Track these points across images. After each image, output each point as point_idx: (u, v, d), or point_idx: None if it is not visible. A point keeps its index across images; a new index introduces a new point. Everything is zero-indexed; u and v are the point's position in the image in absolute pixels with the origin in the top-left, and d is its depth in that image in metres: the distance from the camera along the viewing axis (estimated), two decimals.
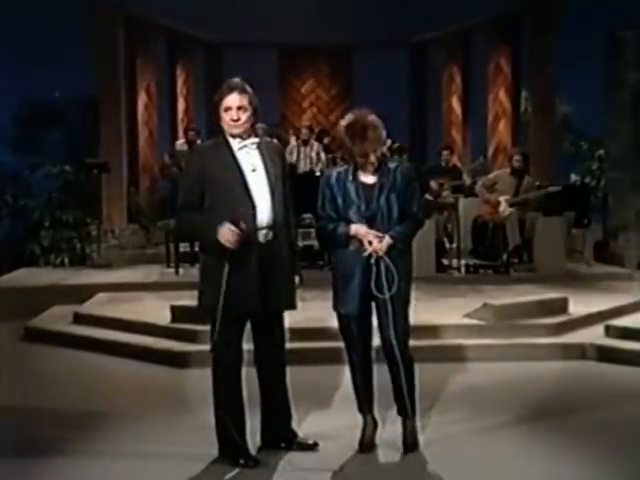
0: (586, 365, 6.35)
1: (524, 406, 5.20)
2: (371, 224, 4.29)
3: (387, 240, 4.26)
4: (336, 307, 4.42)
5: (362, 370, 4.46)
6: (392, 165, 4.41)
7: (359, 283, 4.30)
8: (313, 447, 4.38)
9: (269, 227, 4.15)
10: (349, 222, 4.32)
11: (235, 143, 4.18)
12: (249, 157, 4.18)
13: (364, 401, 4.50)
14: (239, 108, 4.11)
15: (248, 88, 4.16)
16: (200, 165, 4.15)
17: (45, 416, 5.17)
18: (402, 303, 4.34)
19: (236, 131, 4.15)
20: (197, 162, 4.20)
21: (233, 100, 4.10)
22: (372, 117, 4.29)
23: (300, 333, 6.07)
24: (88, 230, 10.63)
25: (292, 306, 4.32)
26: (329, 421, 4.87)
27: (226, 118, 4.13)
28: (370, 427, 4.48)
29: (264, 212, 4.13)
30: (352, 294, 4.32)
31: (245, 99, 4.12)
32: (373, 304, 4.34)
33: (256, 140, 4.24)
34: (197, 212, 4.16)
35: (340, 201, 4.35)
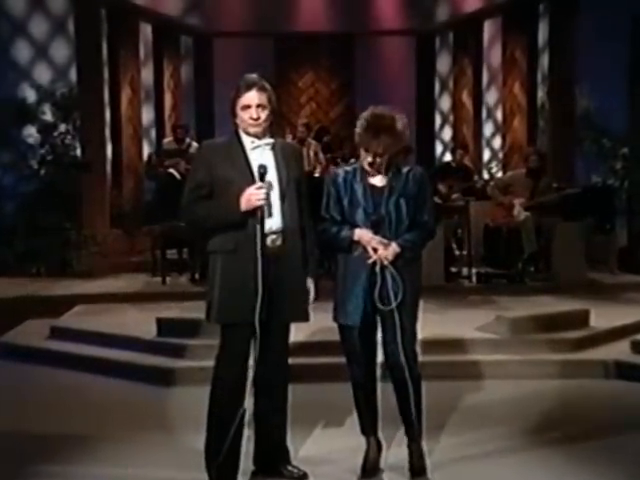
0: (609, 384, 6.35)
1: (540, 428, 5.21)
2: (377, 230, 4.29)
3: (394, 247, 4.26)
4: (337, 318, 4.43)
5: (365, 388, 4.46)
6: (404, 168, 4.41)
7: (362, 293, 4.31)
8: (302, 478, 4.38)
9: (278, 232, 4.18)
10: (354, 226, 4.33)
11: (249, 142, 4.22)
12: (262, 158, 4.21)
13: (367, 422, 4.50)
14: (258, 106, 4.17)
15: (267, 85, 4.23)
16: (209, 162, 4.20)
17: (20, 439, 5.16)
18: (410, 316, 4.34)
19: (254, 130, 4.20)
20: (206, 159, 4.23)
21: (252, 98, 4.16)
22: (393, 115, 4.29)
23: (297, 348, 6.08)
24: (67, 236, 10.63)
25: (303, 318, 4.34)
26: (329, 443, 4.89)
27: (244, 116, 4.18)
28: (374, 450, 4.48)
29: (273, 216, 4.16)
30: (354, 304, 4.33)
31: (264, 97, 4.18)
32: (378, 316, 4.35)
33: (271, 140, 4.28)
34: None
35: (346, 203, 4.38)
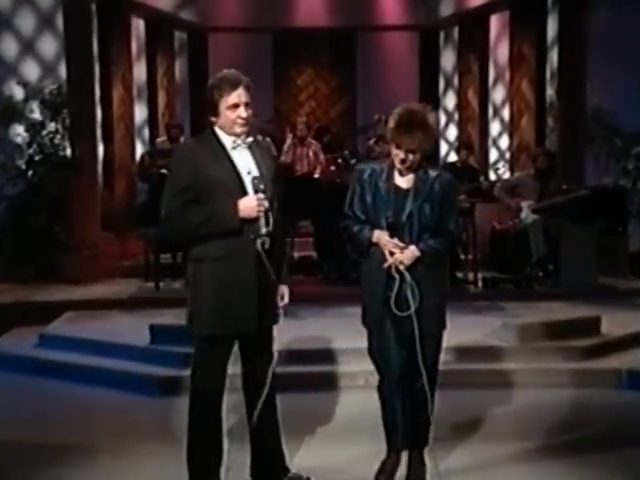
0: (621, 394, 6.36)
1: (548, 439, 5.23)
2: (394, 232, 4.29)
3: (412, 251, 4.27)
4: (363, 322, 4.47)
5: (391, 397, 4.45)
6: (433, 172, 4.40)
7: (381, 298, 4.32)
8: None
9: (267, 234, 4.19)
10: (376, 227, 4.33)
11: (229, 142, 4.23)
12: (242, 158, 4.24)
13: (397, 435, 4.47)
14: (246, 105, 4.18)
15: (249, 81, 4.25)
16: (193, 165, 4.15)
17: (10, 452, 5.17)
18: (432, 323, 4.37)
19: (242, 130, 4.22)
20: (189, 162, 4.18)
21: (240, 96, 4.17)
22: (425, 109, 4.29)
23: (292, 355, 6.12)
24: (56, 239, 10.63)
25: (277, 320, 4.37)
26: (327, 455, 4.90)
27: (231, 116, 4.18)
28: (392, 461, 4.47)
29: (262, 218, 4.17)
30: (375, 309, 4.36)
31: (249, 95, 4.20)
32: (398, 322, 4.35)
33: (251, 139, 4.30)
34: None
35: (369, 201, 4.37)
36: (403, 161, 4.29)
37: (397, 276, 4.26)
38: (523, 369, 6.55)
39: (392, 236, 4.28)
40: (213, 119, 4.22)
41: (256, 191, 4.13)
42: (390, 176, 4.37)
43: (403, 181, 4.38)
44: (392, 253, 4.26)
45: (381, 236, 4.29)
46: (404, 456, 4.51)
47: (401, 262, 4.25)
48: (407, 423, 4.45)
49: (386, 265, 4.27)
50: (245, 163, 4.23)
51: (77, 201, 10.95)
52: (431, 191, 4.34)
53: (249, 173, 4.21)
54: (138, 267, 10.34)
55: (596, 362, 6.72)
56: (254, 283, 4.15)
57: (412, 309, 4.25)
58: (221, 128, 4.23)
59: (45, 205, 10.72)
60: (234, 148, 4.23)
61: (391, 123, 4.29)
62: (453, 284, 9.34)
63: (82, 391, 6.56)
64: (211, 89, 4.19)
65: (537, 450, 5.04)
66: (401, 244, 4.27)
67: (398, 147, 4.27)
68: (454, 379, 6.27)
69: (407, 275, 4.26)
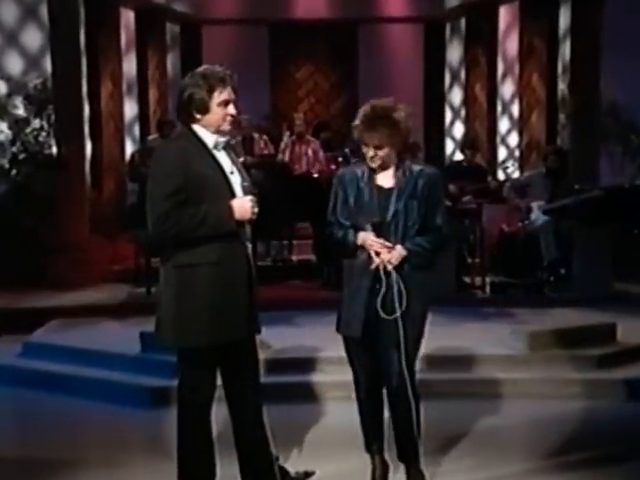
0: (637, 406, 6.34)
1: (558, 453, 5.22)
2: (380, 233, 4.33)
3: (399, 251, 4.31)
4: (339, 329, 4.48)
5: (369, 402, 4.52)
6: (416, 168, 4.46)
7: (364, 301, 4.35)
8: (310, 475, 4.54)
9: (250, 237, 4.29)
10: (360, 230, 4.37)
11: (211, 141, 4.25)
12: (222, 157, 4.27)
13: (373, 439, 4.56)
14: (234, 102, 4.23)
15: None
16: (182, 164, 4.12)
17: None
18: (415, 327, 4.38)
19: (228, 127, 4.27)
20: (180, 160, 4.14)
21: (230, 93, 4.22)
22: (391, 104, 4.34)
23: (281, 364, 6.15)
24: (42, 242, 10.62)
25: (259, 329, 4.42)
26: (316, 469, 4.87)
27: (221, 113, 4.20)
28: (380, 470, 4.53)
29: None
30: (356, 313, 4.37)
31: (234, 91, 4.25)
32: (381, 326, 4.37)
33: (229, 137, 4.35)
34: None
35: (352, 204, 4.42)
36: (372, 158, 4.38)
37: (384, 277, 4.29)
38: (533, 379, 6.54)
39: (378, 236, 4.32)
40: (198, 116, 4.20)
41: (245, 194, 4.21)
42: (371, 177, 4.43)
43: (385, 180, 4.43)
44: (378, 254, 4.29)
45: (366, 237, 4.33)
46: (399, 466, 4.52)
47: (389, 262, 4.28)
48: (380, 425, 4.53)
49: (373, 266, 4.31)
50: (227, 163, 4.27)
51: (64, 202, 10.95)
52: (415, 188, 4.39)
53: (232, 173, 4.25)
54: (128, 271, 10.34)
55: (611, 372, 6.71)
56: (246, 289, 4.19)
57: (398, 312, 4.28)
58: (204, 126, 4.22)
59: (30, 206, 10.72)
60: (216, 147, 4.24)
61: (356, 121, 4.38)
62: (459, 289, 9.35)
63: (69, 403, 6.55)
64: (197, 85, 4.18)
65: (546, 464, 5.03)
66: (388, 244, 4.31)
67: (366, 145, 4.37)
68: (459, 390, 6.29)
69: (395, 275, 4.28)
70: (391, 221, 4.36)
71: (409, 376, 4.34)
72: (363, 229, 4.35)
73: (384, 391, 4.52)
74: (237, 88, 4.26)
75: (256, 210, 4.17)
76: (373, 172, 4.43)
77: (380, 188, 4.42)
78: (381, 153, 4.34)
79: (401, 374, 4.32)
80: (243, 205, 4.14)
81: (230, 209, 4.11)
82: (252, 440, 4.40)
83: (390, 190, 4.40)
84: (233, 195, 4.18)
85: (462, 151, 11.75)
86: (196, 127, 4.24)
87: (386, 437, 4.57)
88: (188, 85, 4.20)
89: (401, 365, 4.31)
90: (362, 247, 4.35)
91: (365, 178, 4.43)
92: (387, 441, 4.57)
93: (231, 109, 4.21)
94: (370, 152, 4.36)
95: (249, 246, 4.23)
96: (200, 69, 4.27)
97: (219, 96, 4.18)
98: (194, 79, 4.20)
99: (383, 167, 4.41)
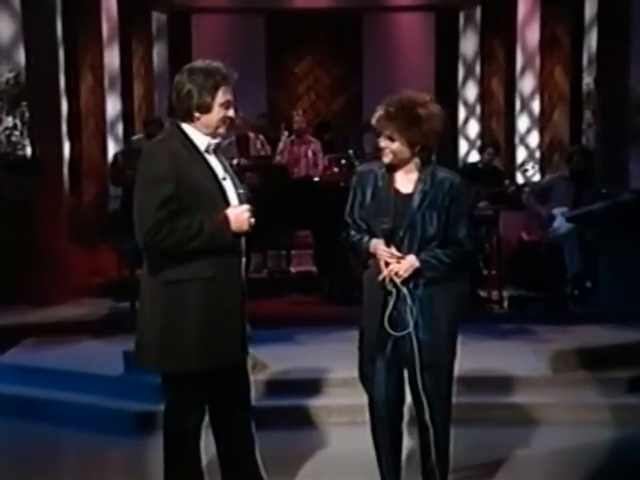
0: None
1: None
2: (391, 241, 4.31)
3: (410, 262, 4.28)
4: (360, 347, 4.51)
5: (385, 429, 4.50)
6: (440, 175, 4.43)
7: (379, 316, 4.34)
8: None
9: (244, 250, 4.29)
10: (375, 235, 4.37)
11: (202, 144, 4.23)
12: (213, 161, 4.26)
13: (387, 470, 4.54)
14: (234, 103, 4.25)
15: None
16: (177, 169, 4.07)
17: None
18: (440, 347, 4.37)
19: (224, 131, 4.27)
20: (171, 165, 4.08)
21: (230, 93, 4.22)
22: (417, 98, 4.33)
23: (279, 386, 6.15)
24: (15, 252, 10.62)
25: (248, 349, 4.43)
26: None
27: (221, 115, 4.20)
28: None
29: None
30: (371, 326, 4.37)
31: None
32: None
33: (218, 140, 4.32)
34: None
35: (369, 206, 4.42)
36: (383, 150, 4.37)
37: (393, 290, 4.28)
38: (557, 404, 6.54)
39: (388, 245, 4.31)
40: (197, 115, 4.17)
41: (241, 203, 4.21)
42: (389, 178, 4.40)
43: (404, 184, 4.41)
44: (388, 264, 4.27)
45: (377, 245, 4.32)
46: None
47: (396, 274, 4.25)
48: (398, 457, 4.54)
49: (380, 277, 4.29)
50: (218, 168, 4.25)
51: (39, 208, 10.94)
52: (436, 197, 4.36)
53: (224, 179, 4.23)
54: (110, 284, 10.34)
55: None
56: (240, 307, 4.18)
57: (410, 328, 4.27)
58: (199, 127, 4.20)
59: (1, 213, 10.71)
60: (207, 151, 4.23)
61: (379, 107, 4.37)
62: (475, 303, 9.33)
63: (45, 430, 6.53)
64: (199, 82, 4.13)
65: None
66: (397, 253, 4.29)
67: (380, 134, 4.37)
68: (475, 415, 6.27)
69: (404, 289, 4.27)
70: (406, 231, 4.33)
71: (430, 398, 4.33)
72: (377, 235, 4.35)
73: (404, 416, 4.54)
74: (237, 88, 4.26)
75: (253, 221, 4.15)
76: (392, 171, 4.40)
77: (398, 192, 4.39)
78: (393, 146, 4.32)
79: (417, 396, 4.33)
80: (241, 215, 4.11)
81: (227, 220, 4.08)
82: (242, 470, 4.40)
83: (409, 196, 4.37)
84: (227, 204, 4.16)
85: (481, 151, 11.77)
86: (187, 127, 4.20)
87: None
88: (187, 80, 4.15)
89: (417, 386, 4.30)
90: (374, 255, 4.35)
91: (383, 178, 4.42)
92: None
93: (231, 112, 4.21)
94: (382, 142, 4.35)
95: (243, 260, 4.23)
96: (200, 63, 4.23)
97: (223, 96, 4.17)
98: (195, 74, 4.15)
99: (398, 166, 4.38)
